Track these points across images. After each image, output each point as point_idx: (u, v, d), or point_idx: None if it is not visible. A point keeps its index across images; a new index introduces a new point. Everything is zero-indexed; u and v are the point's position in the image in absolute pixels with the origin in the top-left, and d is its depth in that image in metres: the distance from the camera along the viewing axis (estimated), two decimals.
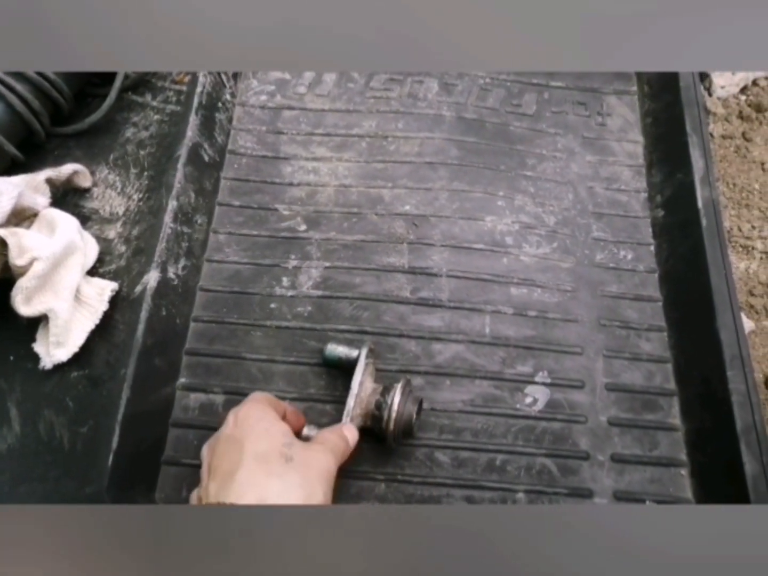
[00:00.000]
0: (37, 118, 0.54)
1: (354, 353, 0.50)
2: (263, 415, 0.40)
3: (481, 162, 0.63)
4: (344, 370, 0.50)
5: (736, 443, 0.48)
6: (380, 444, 0.49)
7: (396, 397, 0.46)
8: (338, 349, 0.51)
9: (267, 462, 0.37)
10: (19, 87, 0.52)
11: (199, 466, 0.45)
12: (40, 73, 0.53)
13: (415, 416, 0.47)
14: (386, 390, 0.47)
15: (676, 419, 0.53)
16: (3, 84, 0.51)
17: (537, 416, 0.52)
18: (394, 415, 0.46)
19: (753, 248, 0.63)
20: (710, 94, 0.72)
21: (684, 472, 0.51)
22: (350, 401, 0.46)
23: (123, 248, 0.52)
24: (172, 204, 0.53)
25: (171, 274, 0.52)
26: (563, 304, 0.57)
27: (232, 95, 0.64)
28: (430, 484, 0.49)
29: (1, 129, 0.51)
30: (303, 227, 0.58)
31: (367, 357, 0.48)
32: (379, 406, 0.47)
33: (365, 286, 0.56)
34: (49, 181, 0.52)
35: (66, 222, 0.49)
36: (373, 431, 0.48)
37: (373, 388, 0.48)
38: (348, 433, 0.44)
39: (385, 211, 0.59)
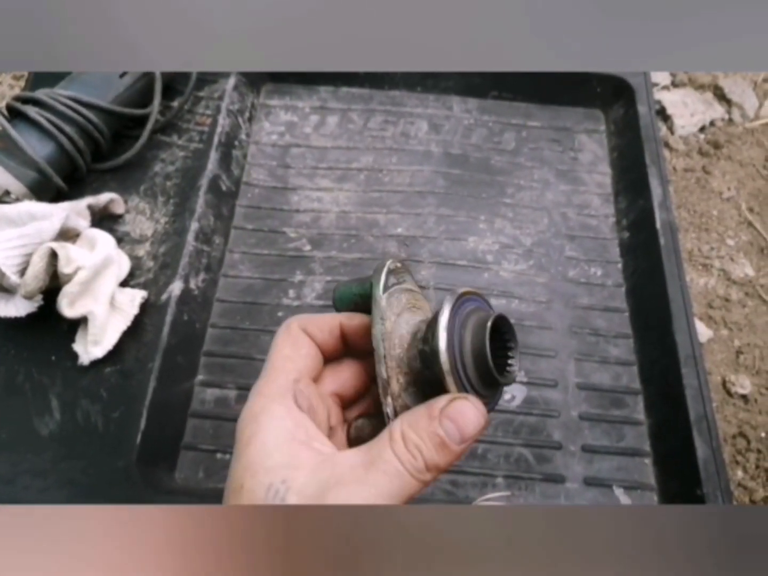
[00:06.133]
0: (81, 156, 0.63)
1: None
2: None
3: (465, 191, 0.71)
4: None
5: (690, 431, 0.54)
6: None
7: (443, 318, 0.27)
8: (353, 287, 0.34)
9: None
10: (67, 129, 0.61)
11: (214, 452, 0.53)
12: (84, 116, 0.63)
13: (489, 346, 0.26)
14: (434, 320, 0.28)
15: (641, 414, 0.59)
16: (54, 126, 0.60)
17: (515, 411, 0.58)
18: (442, 349, 0.26)
19: (711, 266, 0.70)
20: (672, 133, 0.81)
21: (647, 461, 0.56)
22: (379, 356, 0.28)
23: (151, 263, 0.60)
24: (194, 226, 0.61)
25: (192, 286, 0.59)
26: (539, 313, 0.64)
27: (247, 135, 0.73)
28: None
29: (52, 164, 0.59)
30: (308, 247, 0.66)
31: (390, 282, 0.30)
32: (424, 341, 0.28)
33: None
34: (90, 207, 0.60)
35: (104, 239, 0.56)
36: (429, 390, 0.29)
37: (415, 325, 0.30)
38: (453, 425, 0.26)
39: (380, 233, 0.67)
